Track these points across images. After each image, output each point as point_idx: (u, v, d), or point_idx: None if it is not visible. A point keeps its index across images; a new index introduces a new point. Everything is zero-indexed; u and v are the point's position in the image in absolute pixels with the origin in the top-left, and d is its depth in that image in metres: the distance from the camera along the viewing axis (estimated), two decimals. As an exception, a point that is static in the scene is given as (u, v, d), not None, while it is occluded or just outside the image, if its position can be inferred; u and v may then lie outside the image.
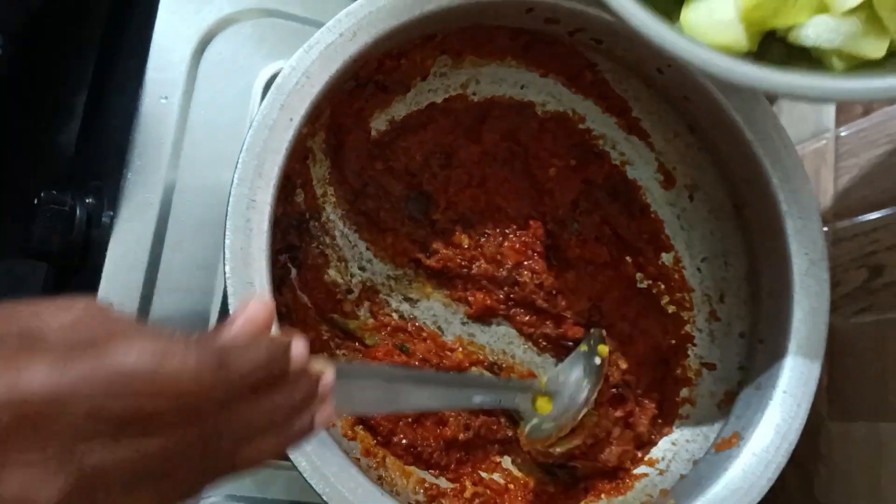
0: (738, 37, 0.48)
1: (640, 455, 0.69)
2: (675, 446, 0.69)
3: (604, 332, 0.70)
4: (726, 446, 0.61)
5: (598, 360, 0.66)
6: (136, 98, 0.69)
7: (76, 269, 0.71)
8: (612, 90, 0.71)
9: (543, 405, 0.65)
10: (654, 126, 0.71)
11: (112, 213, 0.66)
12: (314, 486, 0.50)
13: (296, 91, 0.54)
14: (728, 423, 0.64)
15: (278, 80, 0.54)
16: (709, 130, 0.67)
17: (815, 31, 0.47)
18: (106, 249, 0.65)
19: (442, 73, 0.69)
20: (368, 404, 0.49)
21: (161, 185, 0.69)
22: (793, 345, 0.61)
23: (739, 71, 0.46)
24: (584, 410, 0.64)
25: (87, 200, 0.69)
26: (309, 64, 0.54)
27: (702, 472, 0.62)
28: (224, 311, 0.54)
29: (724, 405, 0.67)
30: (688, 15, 0.50)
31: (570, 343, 0.70)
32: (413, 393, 0.52)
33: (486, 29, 0.65)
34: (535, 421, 0.65)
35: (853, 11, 0.46)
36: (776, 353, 0.62)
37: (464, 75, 0.70)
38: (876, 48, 0.47)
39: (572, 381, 0.66)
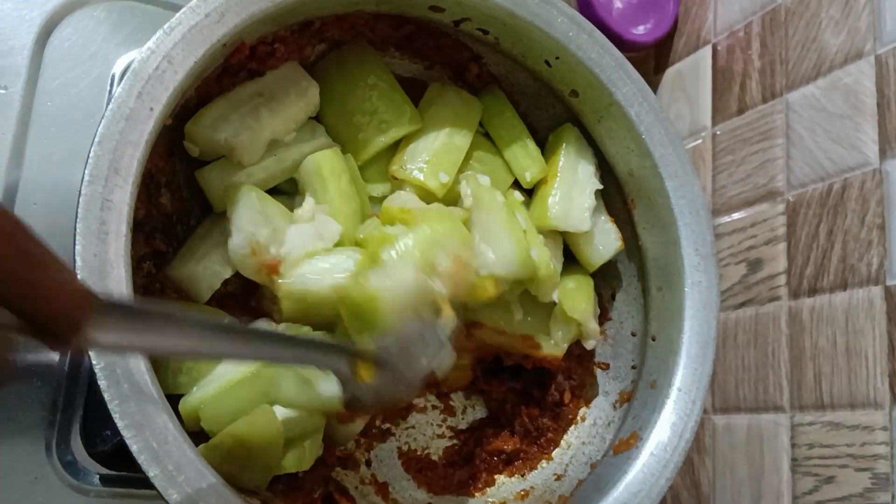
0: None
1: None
2: (570, 449, 0.67)
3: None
4: (625, 447, 0.60)
5: (444, 331, 0.55)
6: (-33, 87, 0.61)
7: None
8: (498, 84, 0.69)
9: (364, 373, 0.52)
10: (540, 121, 0.69)
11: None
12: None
13: (156, 77, 0.48)
14: (625, 423, 0.63)
15: (135, 64, 0.48)
16: (595, 126, 0.66)
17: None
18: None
19: (320, 63, 0.64)
20: (135, 342, 0.40)
21: (0, 186, 0.61)
22: (685, 341, 0.60)
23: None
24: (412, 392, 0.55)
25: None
26: (170, 47, 0.49)
27: (601, 475, 0.61)
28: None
29: (620, 405, 0.66)
30: None
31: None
32: (216, 343, 0.43)
33: (366, 17, 0.62)
34: (350, 388, 0.52)
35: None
36: (669, 351, 0.61)
37: (344, 67, 0.66)
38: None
39: (407, 353, 0.53)
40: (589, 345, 0.67)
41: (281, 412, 0.55)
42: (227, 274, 0.57)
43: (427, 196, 0.62)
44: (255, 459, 0.53)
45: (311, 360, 0.51)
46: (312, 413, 0.56)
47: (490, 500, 0.66)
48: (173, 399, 0.53)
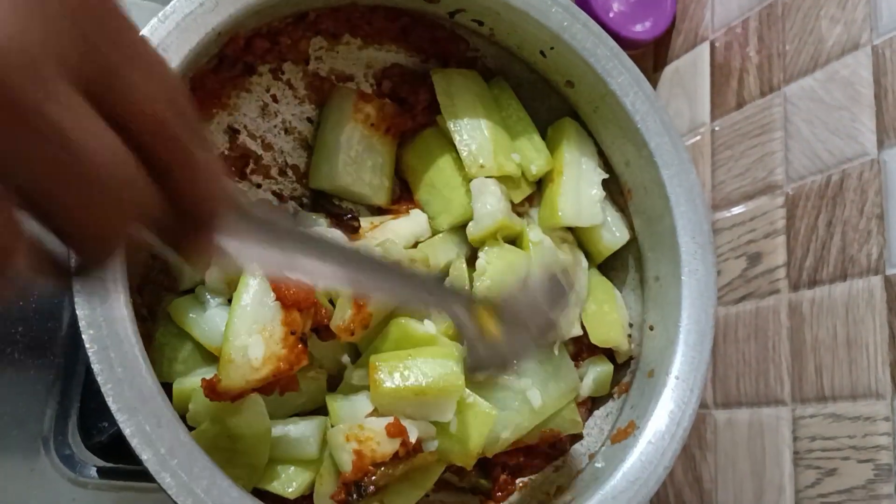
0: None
1: None
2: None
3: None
4: (622, 437, 0.59)
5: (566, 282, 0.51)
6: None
7: None
8: (494, 75, 0.69)
9: (488, 323, 0.47)
10: (537, 112, 0.70)
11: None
12: (180, 504, 0.44)
13: (150, 64, 0.48)
14: (623, 413, 0.63)
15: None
16: (591, 115, 0.66)
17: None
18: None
19: (317, 56, 0.65)
20: (259, 256, 0.37)
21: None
22: (683, 330, 0.60)
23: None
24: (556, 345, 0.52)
25: None
26: (164, 35, 0.49)
27: (599, 465, 0.61)
28: (75, 319, 0.48)
29: (618, 396, 0.66)
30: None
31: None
32: (312, 261, 0.38)
33: (362, 9, 0.62)
34: (476, 350, 0.49)
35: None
36: (667, 340, 0.61)
37: (341, 60, 0.66)
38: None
39: (530, 300, 0.49)
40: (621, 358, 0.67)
41: (278, 430, 0.55)
42: None
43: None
44: (241, 454, 0.53)
45: (432, 299, 0.46)
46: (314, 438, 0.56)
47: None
48: (168, 388, 0.53)
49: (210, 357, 0.55)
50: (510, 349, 0.48)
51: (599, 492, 0.55)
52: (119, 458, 0.60)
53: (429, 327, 0.57)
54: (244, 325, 0.51)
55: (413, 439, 0.52)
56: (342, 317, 0.54)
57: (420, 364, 0.54)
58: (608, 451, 0.61)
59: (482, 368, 0.50)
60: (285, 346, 0.50)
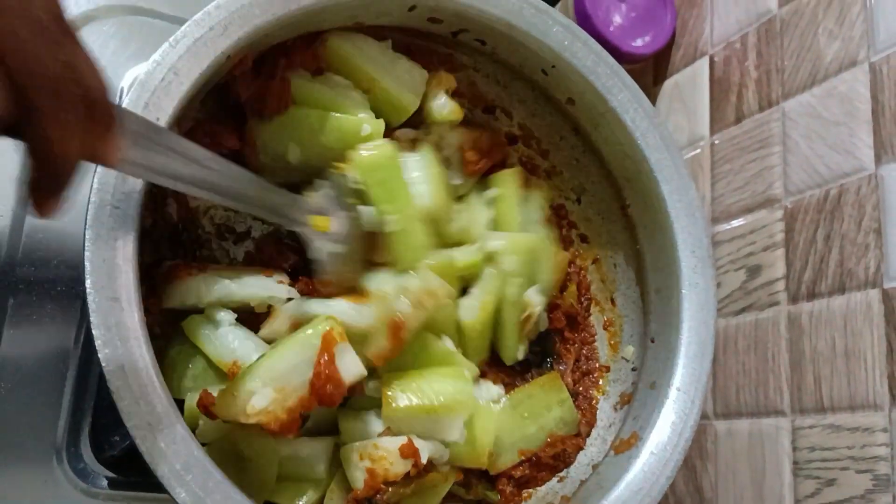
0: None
1: None
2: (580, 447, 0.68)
3: None
4: (625, 447, 0.60)
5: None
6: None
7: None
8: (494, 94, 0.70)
9: (320, 222, 0.57)
10: (539, 128, 0.71)
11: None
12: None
13: (162, 88, 0.50)
14: (626, 424, 0.64)
15: (141, 76, 0.50)
16: (592, 132, 0.67)
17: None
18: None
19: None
20: (143, 166, 0.44)
21: (11, 199, 0.63)
22: (684, 342, 0.61)
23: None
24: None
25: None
26: (176, 59, 0.50)
27: (602, 475, 0.61)
28: (88, 338, 0.49)
29: (621, 406, 0.67)
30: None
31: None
32: (187, 169, 0.46)
33: (366, 30, 0.63)
34: (323, 247, 0.57)
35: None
36: (668, 352, 0.62)
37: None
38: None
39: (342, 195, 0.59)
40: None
41: (287, 449, 0.56)
42: None
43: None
44: (250, 471, 0.54)
45: (279, 211, 0.55)
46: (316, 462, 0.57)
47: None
48: (180, 403, 0.54)
49: (221, 375, 0.56)
50: (342, 237, 0.59)
51: (603, 502, 0.56)
52: (131, 471, 0.61)
53: (448, 343, 0.58)
54: (267, 375, 0.51)
55: (424, 460, 0.54)
56: (378, 346, 0.55)
57: (432, 383, 0.55)
58: (611, 461, 0.62)
59: (333, 258, 0.58)
60: (285, 414, 0.51)
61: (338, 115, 0.60)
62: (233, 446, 0.54)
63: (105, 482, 0.61)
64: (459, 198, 0.68)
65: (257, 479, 0.55)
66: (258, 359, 0.53)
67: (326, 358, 0.51)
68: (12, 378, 0.60)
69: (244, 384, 0.51)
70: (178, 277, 0.56)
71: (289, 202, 0.56)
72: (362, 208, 0.59)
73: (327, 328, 0.52)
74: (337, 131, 0.60)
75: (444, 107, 0.64)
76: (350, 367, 0.53)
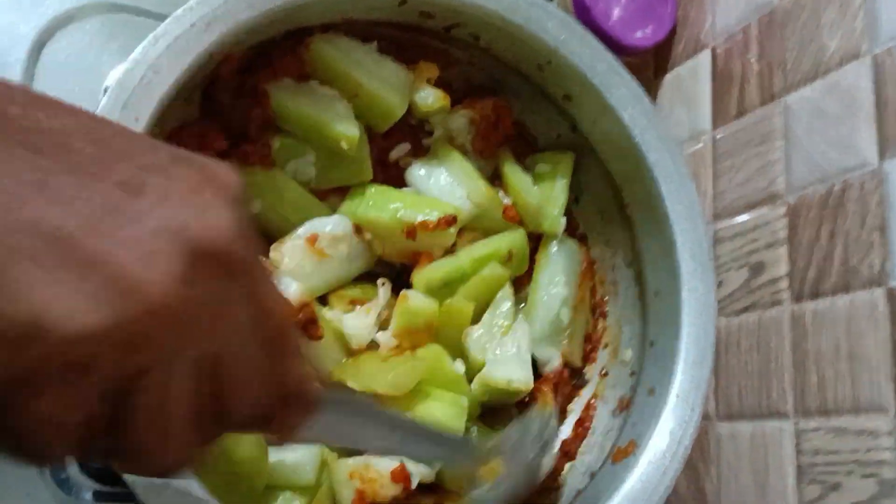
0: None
1: None
2: (569, 459, 0.67)
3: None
4: (623, 455, 0.59)
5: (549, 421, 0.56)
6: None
7: None
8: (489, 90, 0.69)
9: (494, 468, 0.51)
10: (536, 125, 0.69)
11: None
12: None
13: (141, 87, 0.48)
14: (623, 431, 0.62)
15: (120, 74, 0.48)
16: (591, 129, 0.66)
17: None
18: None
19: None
20: (327, 434, 0.42)
21: None
22: (683, 347, 0.60)
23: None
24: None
25: None
26: (156, 57, 0.49)
27: (599, 484, 0.60)
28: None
29: (619, 412, 0.65)
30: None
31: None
32: (369, 432, 0.44)
33: (357, 26, 0.61)
34: (479, 490, 0.52)
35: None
36: (667, 357, 0.61)
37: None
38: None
39: (528, 441, 0.53)
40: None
41: (275, 456, 0.55)
42: None
43: None
44: (239, 478, 0.53)
45: (447, 458, 0.52)
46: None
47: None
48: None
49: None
50: (506, 485, 0.52)
51: (600, 512, 0.55)
52: (115, 482, 0.60)
53: (459, 368, 0.58)
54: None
55: (414, 485, 0.53)
56: None
57: (423, 410, 0.54)
58: (609, 470, 0.61)
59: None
60: None
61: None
62: (222, 454, 0.53)
63: (89, 494, 0.60)
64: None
65: (247, 485, 0.54)
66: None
67: None
68: (-6, 386, 0.59)
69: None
70: None
71: (462, 451, 0.52)
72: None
73: None
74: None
75: (428, 97, 0.63)
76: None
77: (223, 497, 0.50)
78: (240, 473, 0.53)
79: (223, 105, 0.57)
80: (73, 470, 0.60)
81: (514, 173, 0.67)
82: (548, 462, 0.55)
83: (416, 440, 0.47)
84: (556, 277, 0.67)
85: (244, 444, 0.53)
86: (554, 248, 0.69)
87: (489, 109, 0.66)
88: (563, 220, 0.68)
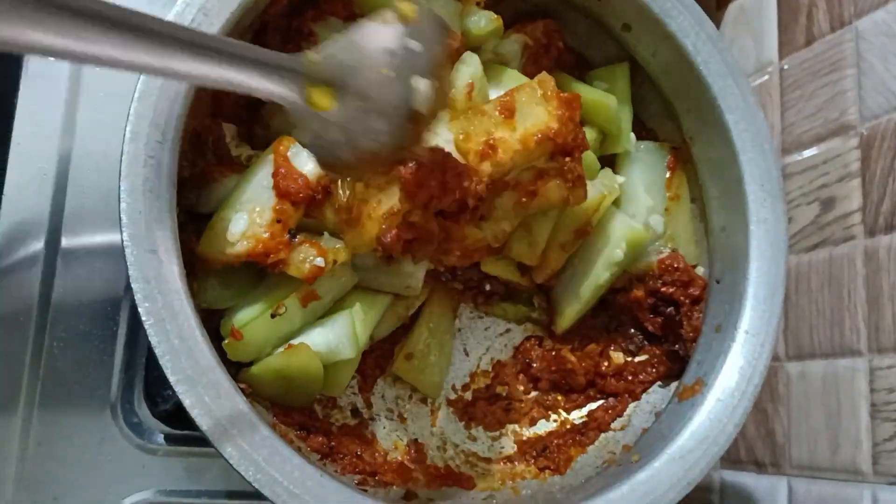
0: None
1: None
2: (634, 399, 0.65)
3: None
4: (689, 394, 0.58)
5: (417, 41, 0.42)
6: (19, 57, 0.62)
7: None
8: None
9: (319, 98, 0.41)
10: (594, 59, 0.67)
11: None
12: (243, 473, 0.45)
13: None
14: (689, 369, 0.61)
15: (171, 17, 0.48)
16: (651, 61, 0.63)
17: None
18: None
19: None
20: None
21: (55, 154, 0.62)
22: (752, 282, 0.57)
23: None
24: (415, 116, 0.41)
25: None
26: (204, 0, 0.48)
27: (665, 423, 0.59)
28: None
29: (683, 351, 0.64)
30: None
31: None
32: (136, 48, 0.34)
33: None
34: (312, 127, 0.41)
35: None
36: (735, 293, 0.59)
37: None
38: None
39: (373, 61, 0.41)
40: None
41: (319, 344, 0.55)
42: None
43: None
44: (296, 389, 0.55)
45: (253, 82, 0.39)
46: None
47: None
48: (213, 315, 0.54)
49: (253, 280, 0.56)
50: (354, 123, 0.41)
51: (666, 451, 0.54)
52: (186, 425, 0.61)
53: None
54: (237, 201, 0.52)
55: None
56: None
57: None
58: (674, 409, 0.59)
59: (328, 155, 0.43)
60: (269, 231, 0.51)
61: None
62: (278, 373, 0.54)
63: (161, 437, 0.61)
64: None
65: (305, 392, 0.56)
66: (231, 192, 0.54)
67: (282, 162, 0.52)
68: (64, 335, 0.61)
69: (220, 217, 0.52)
70: (213, 179, 0.55)
71: (275, 73, 0.39)
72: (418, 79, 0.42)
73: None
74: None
75: (480, 20, 0.61)
76: (306, 161, 0.52)
77: (283, 399, 0.55)
78: (296, 385, 0.55)
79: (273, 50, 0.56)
80: (144, 414, 0.61)
81: (578, 88, 0.64)
82: (420, 90, 0.41)
83: (190, 48, 0.35)
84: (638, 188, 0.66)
85: (298, 365, 0.54)
86: (631, 162, 0.67)
87: (539, 32, 0.63)
88: (633, 136, 0.65)
